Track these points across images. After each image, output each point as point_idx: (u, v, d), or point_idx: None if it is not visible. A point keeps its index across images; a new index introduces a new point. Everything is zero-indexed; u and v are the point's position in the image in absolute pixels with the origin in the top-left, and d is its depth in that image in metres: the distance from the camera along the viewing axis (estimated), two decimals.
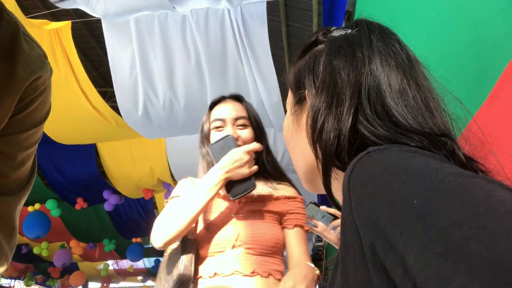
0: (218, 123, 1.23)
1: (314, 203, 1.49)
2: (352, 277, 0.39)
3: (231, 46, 2.98)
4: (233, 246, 1.15)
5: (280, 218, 1.25)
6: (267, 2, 2.86)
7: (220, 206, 1.25)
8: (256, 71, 3.02)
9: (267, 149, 1.30)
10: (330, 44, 0.54)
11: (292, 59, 0.64)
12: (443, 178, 0.34)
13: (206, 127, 1.28)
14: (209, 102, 1.37)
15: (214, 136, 1.23)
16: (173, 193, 1.29)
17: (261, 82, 3.07)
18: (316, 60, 0.55)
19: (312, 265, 1.15)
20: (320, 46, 0.56)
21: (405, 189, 0.35)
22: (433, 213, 0.31)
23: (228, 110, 1.24)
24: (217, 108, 1.27)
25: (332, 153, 0.48)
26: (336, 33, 0.56)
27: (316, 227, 1.49)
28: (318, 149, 0.51)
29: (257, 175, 1.23)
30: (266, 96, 3.16)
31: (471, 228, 0.29)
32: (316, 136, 0.50)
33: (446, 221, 0.30)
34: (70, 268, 8.96)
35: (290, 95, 0.61)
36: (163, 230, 1.12)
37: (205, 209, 1.21)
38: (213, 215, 1.23)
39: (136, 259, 8.22)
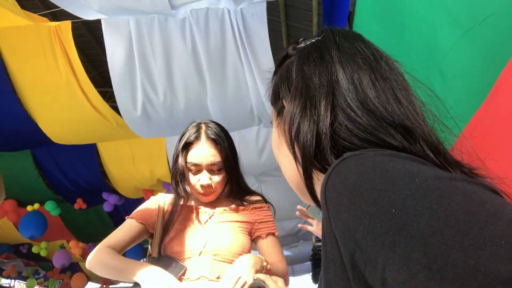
0: (194, 168, 1.32)
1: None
2: None
3: (230, 46, 2.98)
4: (200, 253, 1.25)
5: (250, 227, 1.36)
6: (267, 2, 2.85)
7: (190, 216, 1.36)
8: (256, 71, 3.02)
9: (237, 175, 1.40)
10: (299, 53, 0.57)
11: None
12: (420, 183, 0.33)
13: (181, 163, 1.33)
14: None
15: (191, 178, 1.33)
16: (136, 210, 1.41)
17: (261, 82, 3.07)
18: (288, 70, 0.57)
19: (261, 257, 1.27)
20: (292, 58, 0.58)
21: (382, 197, 0.34)
22: (413, 222, 0.30)
23: (204, 157, 1.31)
24: (194, 150, 1.32)
25: (311, 154, 0.48)
26: (303, 43, 0.58)
27: (312, 226, 1.49)
28: (297, 153, 0.51)
29: (229, 196, 1.40)
30: (266, 95, 3.16)
31: (453, 236, 0.28)
32: (293, 139, 0.51)
33: (427, 230, 0.29)
34: (70, 268, 8.96)
35: (272, 111, 0.62)
36: (97, 264, 1.26)
37: (175, 219, 1.34)
38: (183, 225, 1.33)
39: (136, 259, 8.22)
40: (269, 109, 3.29)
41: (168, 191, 5.63)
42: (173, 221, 1.34)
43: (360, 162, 0.39)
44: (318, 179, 0.51)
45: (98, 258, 1.25)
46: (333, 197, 0.39)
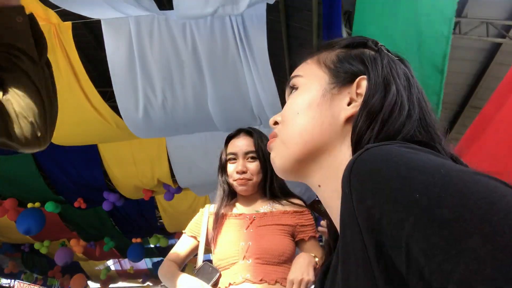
0: (231, 156, 1.47)
1: None
2: (354, 281, 0.38)
3: (231, 47, 2.98)
4: (244, 257, 1.33)
5: (292, 230, 1.42)
6: (267, 3, 2.86)
7: (232, 223, 1.44)
8: (255, 72, 3.03)
9: (272, 168, 1.42)
10: (385, 52, 0.60)
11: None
12: (445, 173, 0.34)
13: (223, 158, 1.50)
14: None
15: (229, 168, 1.46)
16: (188, 226, 1.53)
17: (260, 83, 3.08)
18: (370, 54, 0.60)
19: (312, 254, 1.33)
20: (372, 50, 0.61)
21: (407, 184, 0.34)
22: (435, 207, 0.31)
23: (240, 146, 1.46)
24: (232, 143, 1.49)
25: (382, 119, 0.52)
26: (385, 49, 0.62)
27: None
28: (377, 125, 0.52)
29: (266, 196, 1.48)
30: (264, 96, 3.16)
31: (474, 222, 0.29)
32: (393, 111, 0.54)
33: (449, 215, 0.30)
34: (71, 267, 8.96)
35: (316, 71, 0.61)
36: (160, 277, 1.45)
37: (219, 228, 1.44)
38: (226, 233, 1.42)
39: (137, 259, 8.23)
40: (267, 109, 3.29)
41: (168, 192, 5.63)
42: (217, 230, 1.43)
43: (385, 151, 0.40)
44: (323, 166, 0.55)
45: (160, 272, 1.46)
46: (357, 184, 0.39)
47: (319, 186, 0.56)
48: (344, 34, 3.21)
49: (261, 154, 1.45)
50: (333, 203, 0.53)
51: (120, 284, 13.18)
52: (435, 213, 0.31)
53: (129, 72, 3.11)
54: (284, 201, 1.48)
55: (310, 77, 0.61)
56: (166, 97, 3.22)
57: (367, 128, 0.51)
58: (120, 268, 11.75)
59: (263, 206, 1.47)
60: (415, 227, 0.32)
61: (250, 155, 1.45)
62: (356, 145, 0.51)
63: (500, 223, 0.28)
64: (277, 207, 1.47)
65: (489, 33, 4.15)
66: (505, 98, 1.13)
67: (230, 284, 1.30)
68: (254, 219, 1.42)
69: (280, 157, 0.60)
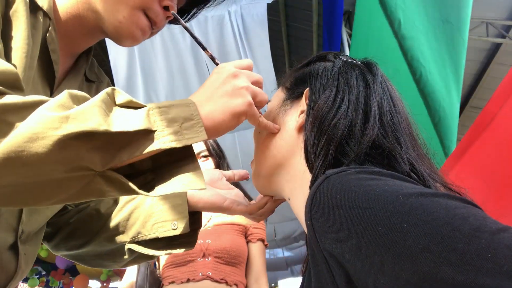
0: None
1: None
2: None
3: (231, 46, 2.98)
4: (203, 255, 1.30)
5: (244, 230, 1.42)
6: (267, 3, 2.86)
7: None
8: (255, 71, 3.02)
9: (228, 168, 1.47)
10: (344, 62, 0.60)
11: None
12: (404, 200, 0.33)
13: None
14: None
15: None
16: None
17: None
18: (326, 68, 0.60)
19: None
20: (332, 63, 0.61)
21: (368, 216, 0.34)
22: (400, 239, 0.31)
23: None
24: None
25: (339, 136, 0.51)
26: (346, 58, 0.62)
27: None
28: (313, 136, 0.53)
29: None
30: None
31: (440, 252, 0.29)
32: (325, 123, 0.53)
33: (414, 248, 0.30)
34: (71, 271, 8.96)
35: (279, 94, 0.65)
36: None
37: None
38: None
39: None
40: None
41: None
42: None
43: (344, 181, 0.39)
44: (287, 179, 0.56)
45: None
46: (319, 217, 0.39)
47: (289, 199, 0.58)
48: (344, 34, 3.21)
49: (214, 151, 1.45)
50: (303, 216, 0.54)
51: (121, 284, 13.16)
52: (401, 247, 0.30)
53: (130, 72, 3.11)
54: None
55: (273, 99, 0.66)
56: (168, 96, 3.22)
57: (315, 135, 0.52)
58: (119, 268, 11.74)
59: None
60: (383, 264, 0.31)
61: (202, 154, 1.44)
62: (306, 155, 0.53)
63: (467, 250, 0.28)
64: None
65: (489, 33, 4.16)
66: (505, 98, 1.13)
67: (188, 279, 1.28)
68: (211, 218, 1.42)
69: (254, 175, 0.64)
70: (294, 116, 0.59)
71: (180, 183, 0.48)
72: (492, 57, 4.54)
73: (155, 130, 0.47)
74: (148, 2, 0.62)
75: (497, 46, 4.38)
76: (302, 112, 0.58)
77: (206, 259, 1.30)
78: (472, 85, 5.04)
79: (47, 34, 0.61)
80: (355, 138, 0.50)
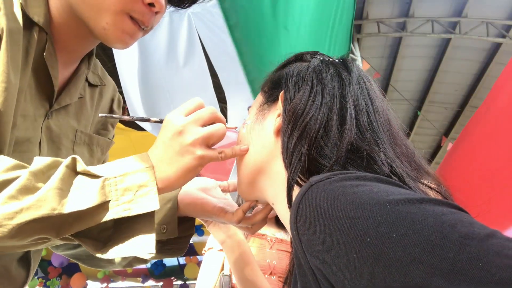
0: None
1: None
2: None
3: (230, 45, 2.99)
4: (270, 274, 1.39)
5: None
6: None
7: (256, 243, 1.52)
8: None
9: None
10: (319, 61, 0.59)
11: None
12: (391, 208, 0.33)
13: None
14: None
15: None
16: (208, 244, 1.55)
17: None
18: (301, 69, 0.59)
19: None
20: (307, 63, 0.61)
21: (356, 226, 0.33)
22: (390, 250, 0.30)
23: None
24: None
25: (315, 138, 0.51)
26: (322, 57, 0.61)
27: None
28: (293, 139, 0.53)
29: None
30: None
31: (431, 262, 0.28)
32: (301, 125, 0.53)
33: (405, 258, 0.29)
34: (70, 269, 8.94)
35: (258, 98, 0.65)
36: None
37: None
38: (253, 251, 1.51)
39: None
40: None
41: None
42: None
43: (329, 189, 0.38)
44: (269, 177, 0.56)
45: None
46: (305, 228, 0.38)
47: (273, 204, 0.58)
48: None
49: None
50: (288, 221, 0.52)
51: (120, 283, 13.17)
52: (391, 258, 0.30)
53: (132, 71, 3.12)
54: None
55: (253, 104, 0.65)
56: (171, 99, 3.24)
57: (289, 137, 0.52)
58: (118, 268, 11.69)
59: None
60: (373, 275, 0.31)
61: None
62: (286, 157, 0.52)
63: (458, 259, 0.28)
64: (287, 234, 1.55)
65: (489, 33, 4.17)
66: (496, 95, 1.14)
67: None
68: (274, 243, 1.50)
69: (237, 183, 0.64)
70: (272, 119, 0.58)
71: (133, 247, 0.51)
72: (492, 57, 4.55)
73: (109, 200, 0.49)
74: (129, 4, 0.60)
75: (497, 46, 4.39)
76: (279, 115, 0.57)
77: (272, 278, 1.38)
78: (472, 85, 5.05)
79: (45, 51, 0.61)
80: (332, 140, 0.50)
